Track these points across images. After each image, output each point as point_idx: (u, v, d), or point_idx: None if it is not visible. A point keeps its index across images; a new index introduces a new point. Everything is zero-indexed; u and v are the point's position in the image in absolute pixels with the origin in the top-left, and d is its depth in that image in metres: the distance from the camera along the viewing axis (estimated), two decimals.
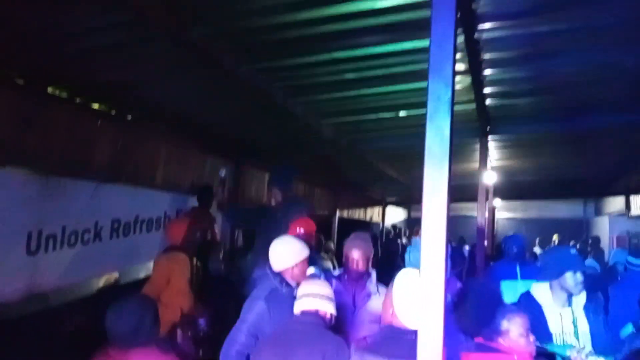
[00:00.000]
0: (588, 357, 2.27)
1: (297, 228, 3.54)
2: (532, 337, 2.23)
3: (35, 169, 3.41)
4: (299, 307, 2.37)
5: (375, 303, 2.88)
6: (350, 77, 3.25)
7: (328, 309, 2.35)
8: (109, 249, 4.16)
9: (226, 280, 4.29)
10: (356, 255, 2.92)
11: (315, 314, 2.32)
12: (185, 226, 3.93)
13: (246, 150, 5.63)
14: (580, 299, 2.71)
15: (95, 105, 4.01)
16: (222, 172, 4.25)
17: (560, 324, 2.66)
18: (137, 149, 4.43)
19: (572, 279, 2.65)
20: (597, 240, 9.88)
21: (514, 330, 2.20)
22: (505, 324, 2.22)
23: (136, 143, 4.42)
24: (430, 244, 1.40)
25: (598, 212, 13.02)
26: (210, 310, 3.71)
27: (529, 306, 2.68)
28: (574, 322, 2.66)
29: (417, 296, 1.96)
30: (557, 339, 2.65)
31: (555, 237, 12.20)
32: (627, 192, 10.26)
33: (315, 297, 2.35)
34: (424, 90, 3.40)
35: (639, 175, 8.30)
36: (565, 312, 2.69)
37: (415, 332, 1.96)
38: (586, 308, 2.69)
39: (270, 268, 2.84)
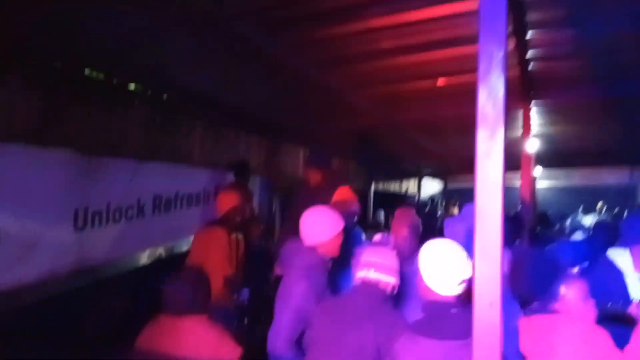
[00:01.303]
0: None
1: (339, 199, 3.43)
2: (592, 302, 2.17)
3: (77, 149, 3.49)
4: (360, 276, 2.27)
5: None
6: (386, 46, 3.14)
7: (390, 280, 2.24)
8: (152, 225, 4.27)
9: (265, 254, 4.33)
10: (407, 231, 2.87)
11: (376, 285, 2.22)
12: (236, 196, 3.96)
13: (280, 126, 5.61)
14: None
15: (132, 86, 4.05)
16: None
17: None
18: (173, 128, 4.48)
19: None
20: None
21: (571, 295, 2.14)
22: (562, 289, 2.15)
23: (172, 122, 4.46)
24: (484, 214, 1.34)
25: None
26: (251, 283, 3.77)
27: (608, 271, 2.65)
28: None
29: (444, 263, 1.95)
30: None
31: (599, 205, 11.78)
32: None
33: (378, 268, 2.24)
34: (462, 58, 3.29)
35: None
36: None
37: (457, 304, 1.93)
38: None
39: (302, 242, 2.72)
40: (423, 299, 2.04)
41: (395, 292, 2.31)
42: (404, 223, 2.89)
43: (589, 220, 6.98)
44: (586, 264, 3.13)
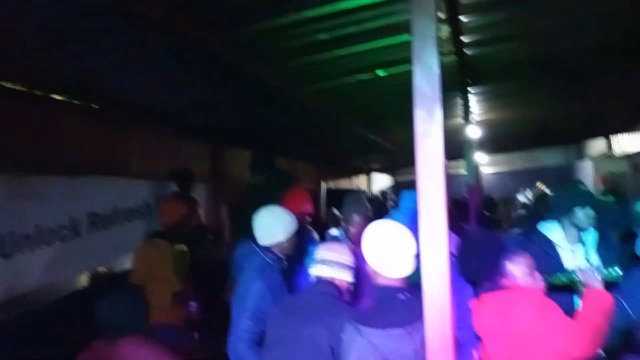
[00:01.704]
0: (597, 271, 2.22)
1: (294, 201, 3.33)
2: (538, 275, 2.19)
3: (2, 170, 3.20)
4: (314, 273, 2.25)
5: None
6: (323, 38, 3.06)
7: (344, 277, 2.21)
8: (90, 244, 3.99)
9: (217, 261, 4.17)
10: (359, 218, 2.90)
11: (331, 282, 2.19)
12: (181, 207, 3.78)
13: (222, 130, 5.43)
14: (592, 235, 2.71)
15: (58, 97, 3.77)
16: None
17: (572, 261, 2.66)
18: (107, 139, 4.23)
19: (580, 214, 2.67)
20: (581, 184, 9.98)
21: (517, 271, 2.17)
22: (508, 266, 2.18)
23: (106, 133, 4.21)
24: (428, 196, 1.28)
25: (580, 156, 13.13)
26: (202, 293, 3.61)
27: (540, 243, 2.72)
28: (586, 259, 2.66)
29: (385, 244, 1.93)
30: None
31: (538, 185, 12.29)
32: (608, 133, 10.33)
33: (332, 265, 2.21)
34: (402, 46, 3.26)
35: (619, 116, 8.34)
36: (577, 248, 2.69)
37: (404, 287, 1.91)
38: (598, 244, 2.69)
39: (256, 243, 2.68)
40: (372, 286, 2.01)
41: (352, 289, 2.28)
42: (355, 210, 2.87)
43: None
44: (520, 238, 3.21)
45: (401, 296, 1.89)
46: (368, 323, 1.82)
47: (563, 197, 2.85)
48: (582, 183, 10.19)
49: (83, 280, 4.03)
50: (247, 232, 2.81)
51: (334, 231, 2.95)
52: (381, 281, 1.96)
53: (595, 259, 2.70)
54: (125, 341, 2.04)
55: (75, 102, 3.82)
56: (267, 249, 2.66)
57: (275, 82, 3.82)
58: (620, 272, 2.29)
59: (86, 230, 3.98)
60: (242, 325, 2.42)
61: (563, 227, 2.75)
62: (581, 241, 2.74)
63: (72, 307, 3.47)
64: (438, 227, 1.24)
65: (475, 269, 2.26)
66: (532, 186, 12.28)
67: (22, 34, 2.51)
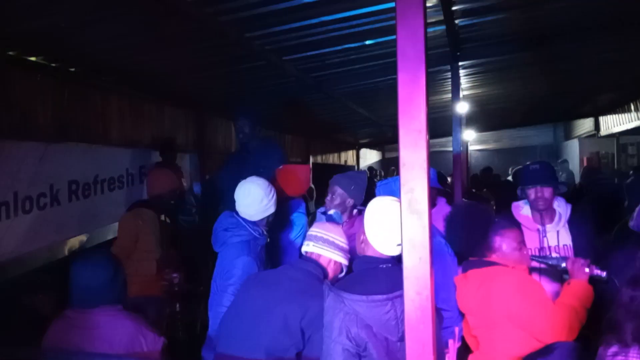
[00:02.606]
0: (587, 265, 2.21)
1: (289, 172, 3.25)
2: (526, 251, 2.19)
3: None
4: (303, 248, 2.17)
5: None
6: (308, 1, 2.95)
7: (333, 256, 2.10)
8: (69, 213, 3.91)
9: (199, 232, 4.11)
10: (331, 192, 2.86)
11: (316, 260, 2.10)
12: (170, 177, 3.71)
13: (206, 97, 5.30)
14: (565, 212, 2.70)
15: (32, 59, 3.62)
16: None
17: (538, 239, 2.65)
18: (85, 105, 4.09)
19: (531, 194, 2.69)
20: (565, 162, 10.11)
21: (506, 245, 2.16)
22: (497, 240, 2.16)
23: (84, 98, 4.07)
24: (409, 164, 1.23)
25: (568, 135, 13.21)
26: (185, 264, 3.57)
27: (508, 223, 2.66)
28: (557, 236, 2.66)
29: (388, 221, 1.89)
30: (537, 253, 2.68)
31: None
32: (596, 113, 10.37)
33: (319, 242, 2.11)
34: (389, 12, 3.16)
35: (606, 95, 8.35)
36: (547, 227, 2.68)
37: (388, 259, 1.89)
38: (570, 221, 2.68)
39: (241, 216, 2.59)
40: (358, 252, 1.98)
41: (344, 272, 2.16)
42: (332, 183, 2.84)
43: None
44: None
45: (383, 266, 1.88)
46: (350, 290, 1.79)
47: (519, 177, 2.91)
48: (565, 161, 10.33)
49: (62, 249, 3.96)
50: (230, 204, 2.72)
51: (332, 211, 2.88)
52: (368, 252, 1.94)
53: (566, 237, 2.69)
54: (101, 310, 1.97)
55: (51, 64, 3.68)
56: (253, 223, 2.57)
57: (258, 49, 3.71)
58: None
59: (66, 199, 3.90)
60: (226, 299, 2.32)
61: (529, 206, 2.76)
62: (550, 220, 2.73)
63: (49, 276, 3.41)
64: (419, 195, 1.20)
65: (463, 240, 2.25)
66: (518, 165, 12.35)
67: None
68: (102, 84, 4.23)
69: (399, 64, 1.26)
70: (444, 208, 3.19)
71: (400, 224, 1.83)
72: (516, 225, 2.64)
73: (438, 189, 3.61)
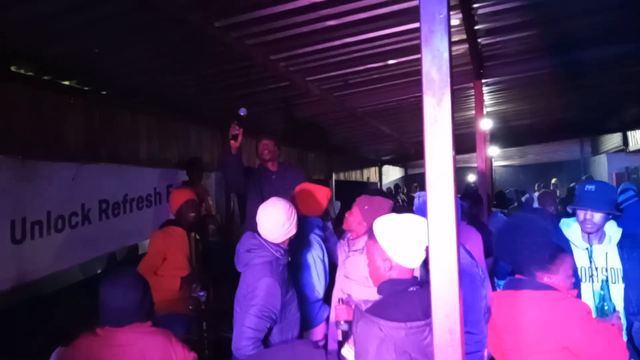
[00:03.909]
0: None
1: (301, 192, 3.23)
2: (573, 281, 2.12)
3: (8, 154, 3.21)
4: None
5: (352, 260, 2.89)
6: (332, 24, 3.02)
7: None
8: (100, 231, 4.01)
9: (224, 251, 4.16)
10: (347, 213, 2.93)
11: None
12: (187, 192, 3.77)
13: (231, 117, 5.39)
14: (615, 234, 2.62)
15: (66, 82, 3.77)
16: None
17: (587, 259, 2.59)
18: (115, 126, 4.22)
19: (579, 215, 2.61)
20: (589, 179, 9.85)
21: (564, 270, 2.07)
22: (557, 263, 2.06)
23: (113, 119, 4.20)
24: (436, 187, 1.24)
25: (595, 151, 12.93)
26: (210, 282, 3.61)
27: (558, 241, 2.58)
28: (606, 257, 2.60)
29: (405, 231, 1.83)
30: (584, 273, 2.60)
31: (553, 181, 12.15)
32: (624, 128, 10.15)
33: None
34: (411, 32, 3.20)
35: (634, 109, 8.18)
36: (595, 247, 2.62)
37: (414, 281, 1.85)
38: (620, 244, 2.61)
39: (263, 237, 2.58)
40: (381, 279, 1.94)
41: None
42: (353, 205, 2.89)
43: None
44: None
45: (413, 289, 1.83)
46: (386, 316, 1.74)
47: (575, 194, 2.76)
48: (590, 178, 10.09)
49: (92, 266, 4.05)
50: (252, 224, 2.74)
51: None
52: (394, 275, 1.87)
53: (615, 260, 2.61)
54: (132, 328, 2.01)
55: (83, 87, 3.83)
56: (275, 244, 2.57)
57: (282, 70, 3.79)
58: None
59: (97, 218, 4.00)
60: (247, 322, 2.33)
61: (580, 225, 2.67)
62: (600, 241, 2.65)
63: (80, 294, 3.49)
64: (447, 217, 1.20)
65: (518, 254, 2.13)
66: (546, 181, 12.15)
67: (29, 18, 2.50)
68: (131, 105, 4.36)
69: (424, 87, 1.28)
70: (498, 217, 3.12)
71: (415, 229, 1.83)
72: (564, 240, 2.62)
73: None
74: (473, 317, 2.23)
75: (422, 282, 1.86)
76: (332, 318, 3.01)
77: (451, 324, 1.25)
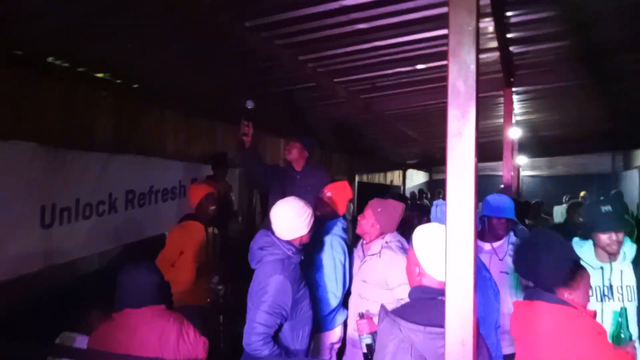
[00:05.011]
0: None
1: (326, 191, 3.26)
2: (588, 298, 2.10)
3: (41, 142, 3.33)
4: None
5: (368, 264, 2.93)
6: (362, 27, 3.02)
7: None
8: (125, 220, 4.12)
9: (244, 247, 4.21)
10: (360, 216, 2.97)
11: None
12: (206, 186, 3.84)
13: (258, 115, 5.45)
14: (629, 251, 2.57)
15: (99, 75, 3.88)
16: (250, 104, 3.72)
17: (600, 278, 2.55)
18: (144, 119, 4.33)
19: (603, 239, 2.54)
20: (619, 194, 9.58)
21: (583, 287, 2.05)
22: (577, 279, 2.05)
23: (143, 113, 4.31)
24: (457, 198, 1.24)
25: (627, 165, 12.56)
26: (229, 277, 3.66)
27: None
28: (621, 276, 2.56)
29: (441, 248, 1.85)
30: (597, 292, 2.57)
31: (582, 194, 11.85)
32: None
33: None
34: (442, 38, 3.17)
35: None
36: (608, 265, 2.58)
37: (443, 292, 1.85)
38: (635, 261, 2.56)
39: (276, 235, 2.60)
40: (412, 284, 1.96)
41: None
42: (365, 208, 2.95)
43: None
44: None
45: (439, 298, 1.85)
46: (408, 317, 1.77)
47: (586, 218, 2.71)
48: (619, 193, 9.78)
49: (110, 257, 4.14)
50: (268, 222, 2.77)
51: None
52: (425, 282, 1.89)
53: (630, 278, 2.57)
54: (148, 310, 2.12)
55: (115, 81, 3.93)
56: (287, 242, 2.60)
57: (310, 72, 3.81)
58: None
59: (123, 207, 4.10)
60: (258, 318, 2.37)
61: (594, 245, 2.62)
62: (614, 259, 2.60)
63: (104, 279, 3.58)
64: (466, 230, 1.20)
65: (532, 270, 2.12)
66: (573, 193, 11.86)
67: (59, 10, 2.56)
68: (160, 100, 4.45)
69: (449, 98, 1.28)
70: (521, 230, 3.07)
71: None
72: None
73: (513, 221, 3.23)
74: (484, 330, 2.23)
75: None
76: (350, 331, 3.03)
77: (464, 335, 1.26)
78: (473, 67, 1.26)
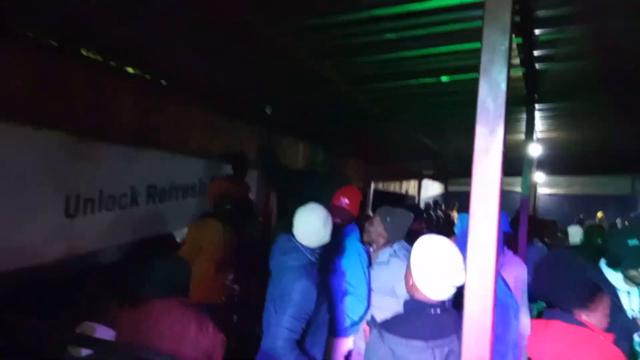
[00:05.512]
0: None
1: (343, 198, 3.29)
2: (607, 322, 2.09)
3: (68, 132, 3.40)
4: None
5: (376, 271, 2.99)
6: (391, 37, 3.06)
7: None
8: (146, 214, 4.20)
9: (261, 246, 4.27)
10: (368, 223, 3.03)
11: None
12: (223, 183, 3.91)
13: (278, 118, 5.53)
14: None
15: (127, 69, 3.97)
16: (269, 109, 3.85)
17: (628, 302, 2.56)
18: (170, 114, 4.41)
19: (632, 272, 2.58)
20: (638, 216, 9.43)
21: (602, 310, 2.04)
22: (597, 301, 2.04)
23: (169, 108, 4.39)
24: (480, 214, 1.27)
25: None
26: (245, 276, 3.71)
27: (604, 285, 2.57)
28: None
29: (437, 263, 1.86)
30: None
31: (599, 215, 11.69)
32: None
33: None
34: (468, 53, 3.20)
35: None
36: (634, 291, 2.58)
37: (437, 304, 1.87)
38: None
39: (299, 241, 2.65)
40: (408, 295, 1.98)
41: None
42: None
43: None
44: None
45: (432, 311, 1.86)
46: (392, 330, 1.80)
47: (614, 250, 2.70)
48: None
49: (128, 250, 4.22)
50: (289, 225, 2.81)
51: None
52: (416, 295, 1.93)
53: None
54: (171, 301, 2.18)
55: (144, 75, 4.02)
56: (310, 248, 2.64)
57: (333, 78, 3.85)
58: None
59: (144, 202, 4.19)
60: (284, 323, 2.39)
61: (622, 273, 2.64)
62: None
63: (122, 271, 3.66)
64: (488, 248, 1.23)
65: (557, 291, 2.12)
66: (591, 213, 11.69)
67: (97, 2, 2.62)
68: (185, 96, 4.53)
69: (478, 115, 1.32)
70: (512, 259, 3.08)
71: (448, 266, 1.85)
72: (611, 288, 2.56)
73: (508, 233, 3.37)
74: (501, 347, 2.23)
75: (447, 307, 1.89)
76: (357, 338, 3.04)
77: (481, 352, 1.28)
78: (504, 85, 1.30)
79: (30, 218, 3.20)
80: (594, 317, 2.03)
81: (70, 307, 2.89)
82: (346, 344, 3.09)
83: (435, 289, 1.86)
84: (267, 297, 2.69)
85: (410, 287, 1.95)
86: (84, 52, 3.49)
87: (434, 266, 1.87)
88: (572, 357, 1.94)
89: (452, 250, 1.89)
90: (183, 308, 2.22)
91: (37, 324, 2.36)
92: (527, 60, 3.42)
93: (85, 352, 2.18)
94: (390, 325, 1.84)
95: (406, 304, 1.96)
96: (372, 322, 1.90)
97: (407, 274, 1.98)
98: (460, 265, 1.85)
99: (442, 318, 1.79)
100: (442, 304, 1.88)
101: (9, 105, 2.98)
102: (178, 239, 4.42)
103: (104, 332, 2.35)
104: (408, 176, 12.68)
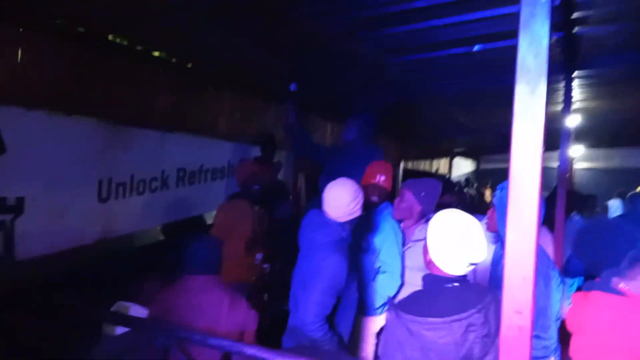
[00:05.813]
0: None
1: (378, 175, 3.20)
2: None
3: (101, 118, 3.46)
4: None
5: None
6: (419, 6, 2.93)
7: None
8: (176, 197, 4.24)
9: (291, 227, 4.26)
10: (396, 200, 2.96)
11: None
12: (249, 169, 3.91)
13: (308, 97, 5.46)
14: None
15: (156, 54, 3.98)
16: (293, 87, 3.96)
17: None
18: (199, 98, 4.41)
19: None
20: None
21: None
22: (636, 269, 1.96)
23: (198, 91, 4.39)
24: (520, 179, 1.19)
25: None
26: (276, 256, 3.71)
27: None
28: None
29: (453, 239, 1.80)
30: None
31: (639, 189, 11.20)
32: None
33: None
34: (500, 19, 3.03)
35: None
36: None
37: (455, 278, 1.81)
38: None
39: (329, 216, 2.60)
40: (426, 269, 1.95)
41: None
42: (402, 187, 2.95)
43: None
44: None
45: (449, 286, 1.82)
46: (409, 310, 1.76)
47: None
48: None
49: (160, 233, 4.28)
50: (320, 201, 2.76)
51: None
52: (434, 270, 1.90)
53: None
54: (207, 279, 2.26)
55: (171, 59, 4.01)
56: (339, 223, 2.59)
57: (364, 51, 3.75)
58: None
59: (174, 184, 4.23)
60: (314, 298, 2.37)
61: None
62: None
63: (155, 253, 3.72)
64: (529, 212, 1.15)
65: (596, 256, 2.07)
66: (632, 188, 11.23)
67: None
68: (216, 79, 4.52)
69: (518, 74, 1.22)
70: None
71: (467, 242, 1.78)
72: None
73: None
74: (543, 321, 2.15)
75: (467, 280, 1.84)
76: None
77: (521, 322, 1.21)
78: (545, 41, 1.19)
79: (66, 203, 3.26)
80: (633, 285, 1.95)
81: (105, 287, 2.96)
82: (377, 322, 3.05)
83: (451, 265, 1.83)
84: (294, 273, 2.67)
85: (427, 262, 1.93)
86: (118, 41, 3.52)
87: (450, 241, 1.82)
88: (620, 328, 1.85)
89: (471, 225, 1.83)
90: (219, 285, 2.29)
91: (75, 304, 2.42)
92: (566, 23, 3.24)
93: (119, 330, 2.25)
94: (407, 304, 1.81)
95: (424, 278, 1.94)
96: (390, 303, 1.87)
97: (424, 249, 1.95)
98: (479, 242, 1.79)
99: (461, 292, 1.74)
100: (461, 278, 1.82)
101: (47, 94, 3.04)
102: (208, 221, 4.46)
103: (138, 311, 2.40)
104: (439, 154, 12.45)
